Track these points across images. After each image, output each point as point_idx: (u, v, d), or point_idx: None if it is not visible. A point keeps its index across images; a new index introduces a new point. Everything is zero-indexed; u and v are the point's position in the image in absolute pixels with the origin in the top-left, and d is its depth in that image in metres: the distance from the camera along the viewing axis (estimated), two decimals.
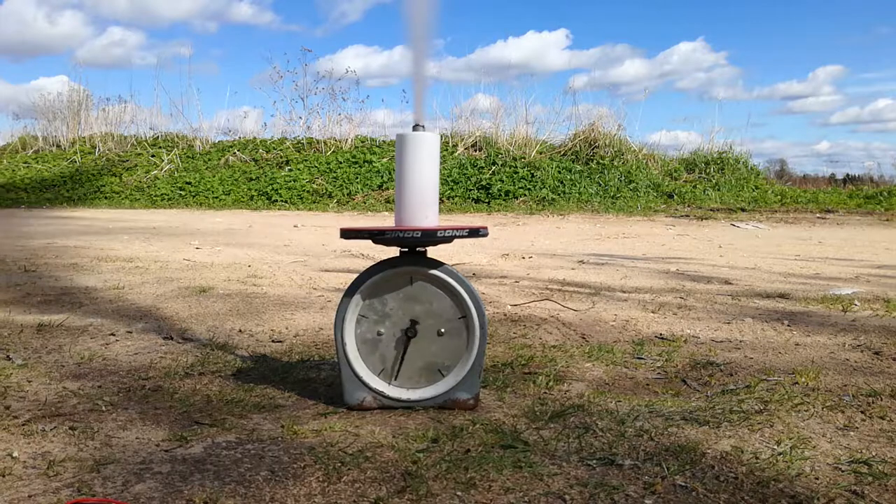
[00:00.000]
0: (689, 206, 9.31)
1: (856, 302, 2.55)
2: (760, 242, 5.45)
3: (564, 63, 29.04)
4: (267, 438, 1.17)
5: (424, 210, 1.30)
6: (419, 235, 1.24)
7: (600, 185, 9.79)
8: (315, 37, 30.82)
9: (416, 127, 1.31)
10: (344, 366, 1.31)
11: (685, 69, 32.82)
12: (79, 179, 11.41)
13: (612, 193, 9.60)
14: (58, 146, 13.09)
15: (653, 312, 2.37)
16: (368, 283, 1.30)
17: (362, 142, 11.68)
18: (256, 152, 11.61)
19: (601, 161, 10.34)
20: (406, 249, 1.33)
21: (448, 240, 1.28)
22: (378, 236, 1.25)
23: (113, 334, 1.93)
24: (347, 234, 1.27)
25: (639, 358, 1.75)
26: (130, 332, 1.96)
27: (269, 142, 12.14)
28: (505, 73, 24.62)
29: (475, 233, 1.27)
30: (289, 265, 3.60)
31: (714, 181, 10.51)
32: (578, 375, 1.59)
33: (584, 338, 1.97)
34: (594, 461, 1.08)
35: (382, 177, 10.23)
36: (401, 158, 1.31)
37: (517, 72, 24.80)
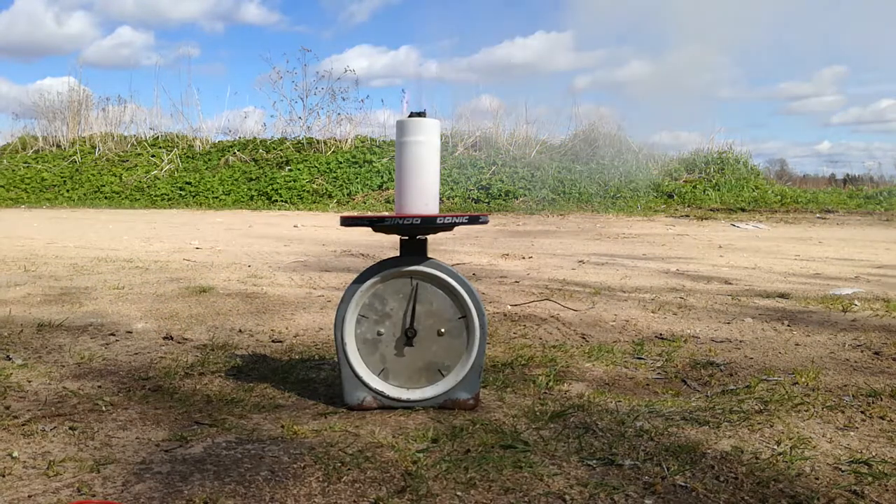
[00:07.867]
0: (689, 206, 9.31)
1: (856, 302, 2.55)
2: (760, 242, 5.45)
3: (570, 64, 28.91)
4: (267, 438, 1.17)
5: (424, 197, 1.29)
6: (419, 222, 1.24)
7: (600, 185, 9.78)
8: (323, 37, 30.58)
9: (415, 114, 1.29)
10: (344, 366, 1.31)
11: (689, 70, 32.65)
12: (79, 179, 11.41)
13: (612, 193, 9.60)
14: (58, 146, 13.09)
15: (653, 312, 2.37)
16: (368, 282, 1.30)
17: (362, 142, 11.67)
18: (256, 152, 11.60)
19: (601, 161, 10.34)
20: (406, 238, 1.32)
21: (448, 227, 1.27)
22: (378, 223, 1.26)
23: (113, 334, 1.93)
24: (347, 221, 1.27)
25: (639, 358, 1.75)
26: (130, 332, 1.96)
27: (269, 142, 12.14)
28: (508, 74, 24.55)
29: (475, 220, 1.27)
30: (289, 265, 3.60)
31: (714, 181, 10.51)
32: (578, 375, 1.59)
33: (584, 338, 1.97)
34: (594, 461, 1.08)
35: (382, 177, 10.22)
36: (400, 145, 1.30)
37: (522, 72, 24.71)
